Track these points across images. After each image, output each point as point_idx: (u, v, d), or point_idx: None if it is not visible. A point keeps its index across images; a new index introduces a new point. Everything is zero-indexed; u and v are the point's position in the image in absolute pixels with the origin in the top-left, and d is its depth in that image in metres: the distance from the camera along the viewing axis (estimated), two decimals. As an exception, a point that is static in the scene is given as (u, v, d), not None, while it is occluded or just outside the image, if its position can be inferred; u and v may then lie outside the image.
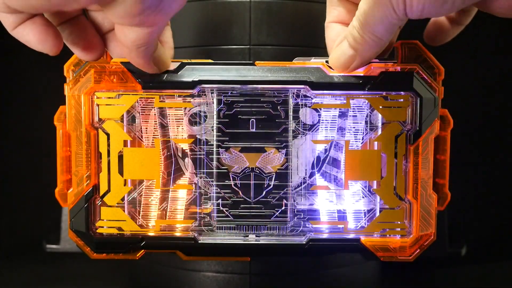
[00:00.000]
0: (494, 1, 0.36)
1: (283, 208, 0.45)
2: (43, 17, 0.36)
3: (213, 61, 0.43)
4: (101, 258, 0.44)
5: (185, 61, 0.43)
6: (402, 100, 0.43)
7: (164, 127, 0.45)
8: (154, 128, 0.45)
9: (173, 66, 0.42)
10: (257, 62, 0.43)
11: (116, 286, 0.63)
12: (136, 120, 0.44)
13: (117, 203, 0.44)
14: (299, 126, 0.44)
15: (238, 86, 0.43)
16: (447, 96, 0.45)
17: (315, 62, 0.42)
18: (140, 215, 0.45)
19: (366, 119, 0.45)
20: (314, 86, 0.42)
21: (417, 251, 0.44)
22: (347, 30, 0.39)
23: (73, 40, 0.39)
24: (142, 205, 0.45)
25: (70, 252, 0.50)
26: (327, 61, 0.42)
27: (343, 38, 0.40)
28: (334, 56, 0.41)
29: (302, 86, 0.42)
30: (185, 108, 0.45)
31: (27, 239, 0.72)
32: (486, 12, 0.38)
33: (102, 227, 0.44)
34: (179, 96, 0.43)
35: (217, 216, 0.45)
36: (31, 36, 0.35)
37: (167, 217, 0.45)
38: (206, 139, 0.45)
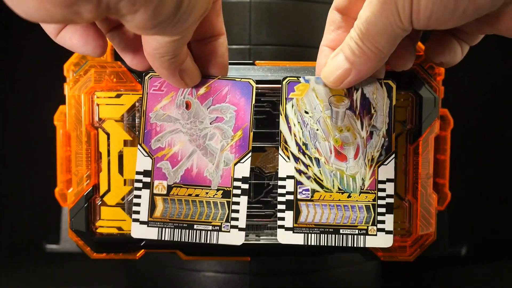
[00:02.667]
0: (504, 20, 0.34)
1: (283, 208, 0.45)
2: (83, 24, 0.35)
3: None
4: (101, 258, 0.44)
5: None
6: (402, 99, 0.43)
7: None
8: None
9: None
10: (257, 62, 0.43)
11: (116, 286, 0.63)
12: (136, 119, 0.44)
13: (117, 203, 0.44)
14: None
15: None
16: (447, 96, 0.45)
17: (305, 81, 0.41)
18: (140, 215, 0.45)
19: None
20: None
21: (417, 251, 0.44)
22: (343, 42, 0.36)
23: (122, 47, 0.37)
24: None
25: (70, 252, 0.50)
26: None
27: (339, 51, 0.37)
28: (327, 69, 0.37)
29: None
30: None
31: (27, 239, 0.73)
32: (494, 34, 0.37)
33: (102, 227, 0.44)
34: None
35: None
36: (74, 40, 0.34)
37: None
38: None
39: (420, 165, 0.43)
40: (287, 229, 0.39)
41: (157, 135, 0.38)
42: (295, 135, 0.39)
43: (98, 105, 0.43)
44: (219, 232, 0.38)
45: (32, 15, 0.27)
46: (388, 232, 0.38)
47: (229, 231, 0.38)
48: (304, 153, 0.39)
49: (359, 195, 0.39)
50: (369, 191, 0.39)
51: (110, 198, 0.44)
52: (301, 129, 0.39)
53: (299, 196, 0.39)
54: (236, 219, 0.38)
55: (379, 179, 0.39)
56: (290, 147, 0.39)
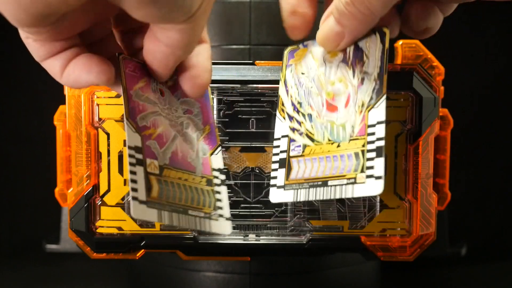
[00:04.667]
0: None
1: (283, 208, 0.45)
2: (86, 53, 0.33)
3: (213, 61, 0.43)
4: (101, 258, 0.44)
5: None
6: (402, 99, 0.43)
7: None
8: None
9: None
10: (257, 62, 0.43)
11: (116, 286, 0.63)
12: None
13: (117, 203, 0.44)
14: None
15: (238, 85, 0.43)
16: (447, 96, 0.45)
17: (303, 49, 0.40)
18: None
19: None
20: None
21: (417, 251, 0.44)
22: (332, 4, 0.35)
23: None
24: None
25: (70, 252, 0.50)
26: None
27: (329, 13, 0.35)
28: (321, 33, 0.36)
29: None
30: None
31: (27, 239, 0.72)
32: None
33: (102, 226, 0.44)
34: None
35: (217, 216, 0.45)
36: (76, 70, 0.32)
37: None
38: None
39: (420, 165, 0.43)
40: (279, 187, 0.38)
41: (141, 113, 0.37)
42: (291, 96, 0.39)
43: (98, 105, 0.43)
44: (210, 220, 0.38)
45: (16, 14, 0.27)
46: (377, 178, 0.34)
47: (217, 220, 0.38)
48: (298, 111, 0.38)
49: (349, 142, 0.36)
50: (359, 137, 0.35)
51: (110, 198, 0.44)
52: (297, 89, 0.39)
53: (291, 153, 0.38)
54: (221, 208, 0.38)
55: (369, 123, 0.35)
56: (285, 108, 0.39)
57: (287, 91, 0.39)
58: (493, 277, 0.66)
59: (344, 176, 0.35)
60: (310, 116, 0.38)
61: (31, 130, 0.75)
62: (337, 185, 0.35)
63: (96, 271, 0.66)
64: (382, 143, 0.34)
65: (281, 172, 0.38)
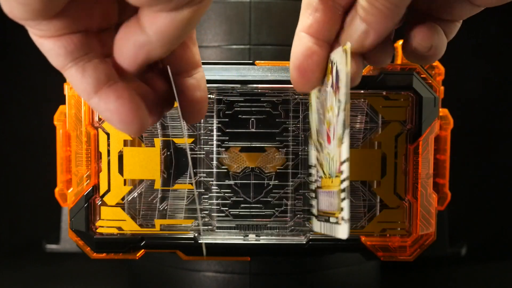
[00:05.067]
0: None
1: (283, 208, 0.45)
2: (124, 85, 0.29)
3: (213, 61, 0.43)
4: (101, 258, 0.44)
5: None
6: (402, 99, 0.43)
7: (164, 126, 0.45)
8: (154, 128, 0.45)
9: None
10: (257, 62, 0.43)
11: (116, 286, 0.63)
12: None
13: (117, 203, 0.44)
14: (299, 126, 0.44)
15: (238, 85, 0.43)
16: (447, 96, 0.45)
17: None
18: (140, 214, 0.45)
19: (366, 118, 0.45)
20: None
21: (417, 251, 0.44)
22: (356, 5, 0.33)
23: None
24: (142, 205, 0.45)
25: (70, 252, 0.50)
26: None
27: (354, 14, 0.34)
28: (346, 35, 0.34)
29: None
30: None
31: (27, 239, 0.72)
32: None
33: (102, 226, 0.44)
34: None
35: (217, 216, 0.45)
36: (114, 117, 0.29)
37: (167, 216, 0.45)
38: (205, 139, 0.45)
39: (420, 165, 0.43)
40: (315, 216, 0.38)
41: None
42: (313, 122, 0.38)
43: (98, 105, 0.43)
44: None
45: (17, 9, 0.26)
46: (345, 221, 0.32)
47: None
48: (317, 139, 0.37)
49: (335, 178, 0.34)
50: (338, 174, 0.33)
51: (110, 198, 0.44)
52: (316, 115, 0.37)
53: (317, 184, 0.38)
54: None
55: (340, 160, 0.33)
56: (312, 134, 0.38)
57: (311, 116, 0.38)
58: (493, 277, 0.66)
59: (334, 214, 0.34)
60: (321, 145, 0.36)
61: (31, 130, 0.75)
62: (333, 223, 0.34)
63: (96, 271, 0.66)
64: (346, 183, 0.32)
65: (314, 202, 0.38)
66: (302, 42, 0.35)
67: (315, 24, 0.35)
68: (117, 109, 0.29)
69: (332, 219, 0.34)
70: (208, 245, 0.44)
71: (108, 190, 0.43)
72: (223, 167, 0.44)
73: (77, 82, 0.29)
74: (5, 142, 0.76)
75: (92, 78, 0.29)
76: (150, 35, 0.29)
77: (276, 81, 0.42)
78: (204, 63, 0.42)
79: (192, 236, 0.44)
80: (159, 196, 0.46)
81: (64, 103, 0.44)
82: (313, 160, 0.39)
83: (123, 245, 0.44)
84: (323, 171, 0.36)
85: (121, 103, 0.29)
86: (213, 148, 0.44)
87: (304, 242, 0.44)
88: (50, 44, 0.29)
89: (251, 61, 0.43)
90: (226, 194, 0.45)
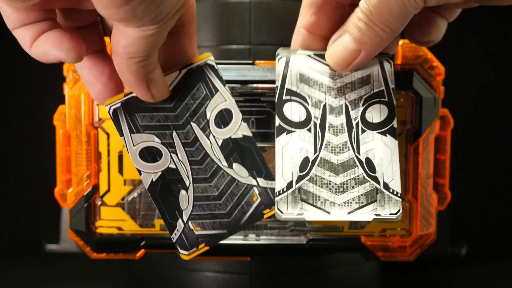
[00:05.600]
0: None
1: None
2: (59, 28, 0.32)
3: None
4: (101, 258, 0.44)
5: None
6: (402, 99, 0.43)
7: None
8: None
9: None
10: (257, 62, 0.43)
11: (116, 286, 0.63)
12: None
13: (117, 203, 0.44)
14: None
15: (238, 85, 0.43)
16: (447, 96, 0.45)
17: (301, 53, 0.38)
18: (140, 214, 0.45)
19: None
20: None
21: (417, 251, 0.44)
22: (348, 22, 0.34)
23: (92, 77, 0.35)
24: (142, 205, 0.45)
25: (70, 252, 0.50)
26: (315, 53, 0.38)
27: (342, 31, 0.35)
28: (334, 51, 0.36)
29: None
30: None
31: (27, 239, 0.72)
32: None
33: (102, 227, 0.44)
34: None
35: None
36: (47, 45, 0.31)
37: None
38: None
39: (420, 165, 0.43)
40: None
41: None
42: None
43: (98, 105, 0.43)
44: None
45: None
46: None
47: None
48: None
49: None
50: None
51: (110, 198, 0.44)
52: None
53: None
54: None
55: None
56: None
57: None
58: (493, 277, 0.66)
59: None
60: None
61: (31, 130, 0.75)
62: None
63: (96, 271, 0.66)
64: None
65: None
66: (301, 36, 0.38)
67: (317, 23, 0.37)
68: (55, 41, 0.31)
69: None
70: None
71: (108, 190, 0.43)
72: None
73: (20, 38, 0.32)
74: (5, 142, 0.76)
75: (32, 31, 0.31)
76: (126, 48, 0.31)
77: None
78: (204, 63, 0.43)
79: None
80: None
81: (64, 103, 0.44)
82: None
83: (123, 245, 0.44)
84: None
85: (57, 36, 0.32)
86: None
87: (304, 242, 0.44)
88: (9, 10, 0.31)
89: (251, 61, 0.43)
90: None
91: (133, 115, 0.36)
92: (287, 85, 0.37)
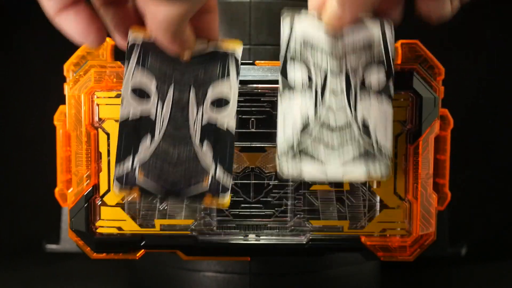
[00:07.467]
0: None
1: (283, 208, 0.45)
2: (87, 7, 0.34)
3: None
4: (101, 258, 0.44)
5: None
6: (402, 99, 0.43)
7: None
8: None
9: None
10: (257, 62, 0.43)
11: (116, 286, 0.63)
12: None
13: (117, 203, 0.44)
14: None
15: (238, 85, 0.43)
16: (447, 96, 0.45)
17: (305, 14, 0.38)
18: (140, 214, 0.45)
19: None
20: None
21: (417, 251, 0.44)
22: None
23: (115, 24, 0.36)
24: (142, 205, 0.45)
25: (70, 252, 0.50)
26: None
27: None
28: (324, 11, 0.36)
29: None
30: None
31: (27, 239, 0.72)
32: None
33: (102, 227, 0.44)
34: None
35: (217, 216, 0.45)
36: (73, 26, 0.33)
37: (167, 216, 0.45)
38: None
39: (420, 165, 0.43)
40: None
41: None
42: None
43: (98, 105, 0.43)
44: None
45: None
46: None
47: None
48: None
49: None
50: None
51: (110, 198, 0.44)
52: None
53: None
54: None
55: None
56: None
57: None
58: (493, 277, 0.66)
59: None
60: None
61: (31, 130, 0.75)
62: None
63: (96, 271, 0.66)
64: None
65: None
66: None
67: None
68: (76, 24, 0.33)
69: None
70: (208, 245, 0.44)
71: (108, 190, 0.43)
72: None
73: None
74: (5, 142, 0.76)
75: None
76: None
77: (276, 81, 0.42)
78: (204, 63, 0.43)
79: (192, 236, 0.44)
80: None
81: (64, 103, 0.44)
82: None
83: (123, 245, 0.44)
84: None
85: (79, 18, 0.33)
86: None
87: (304, 242, 0.44)
88: None
89: (251, 61, 0.43)
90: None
91: (148, 53, 0.37)
92: (290, 46, 0.38)
